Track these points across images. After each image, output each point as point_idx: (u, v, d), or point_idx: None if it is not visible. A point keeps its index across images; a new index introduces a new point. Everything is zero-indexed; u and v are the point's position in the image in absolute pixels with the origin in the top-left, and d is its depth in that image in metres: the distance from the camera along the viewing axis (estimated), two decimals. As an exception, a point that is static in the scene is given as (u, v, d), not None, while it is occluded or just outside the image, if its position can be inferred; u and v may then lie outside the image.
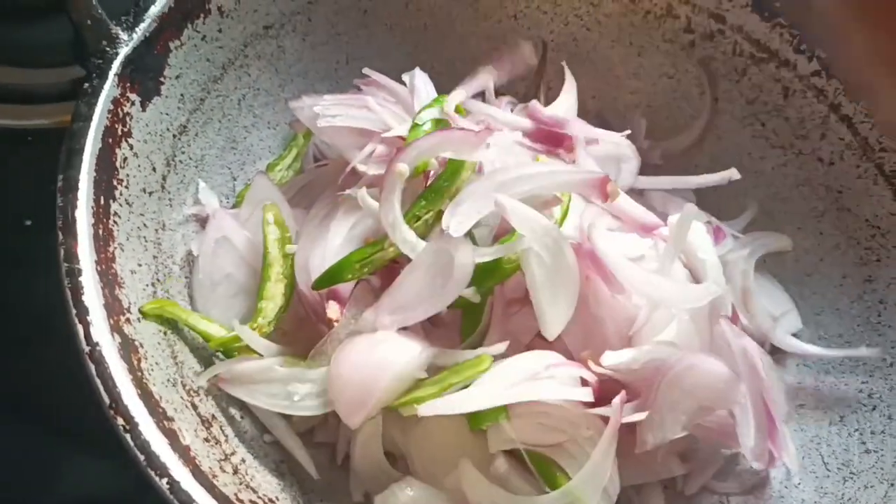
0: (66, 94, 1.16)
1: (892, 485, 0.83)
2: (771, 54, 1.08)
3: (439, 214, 0.84)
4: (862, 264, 1.02)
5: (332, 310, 0.83)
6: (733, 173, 1.03)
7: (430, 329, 0.87)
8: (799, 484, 0.91)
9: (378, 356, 0.79)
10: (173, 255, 0.88)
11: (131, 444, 0.65)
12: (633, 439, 0.84)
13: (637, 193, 1.06)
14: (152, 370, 0.74)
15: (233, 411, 0.83)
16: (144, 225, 0.84)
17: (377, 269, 0.84)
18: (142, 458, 0.65)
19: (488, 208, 0.83)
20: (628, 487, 0.91)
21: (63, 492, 1.02)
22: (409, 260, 0.83)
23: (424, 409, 0.76)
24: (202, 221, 0.92)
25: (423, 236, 0.84)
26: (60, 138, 1.10)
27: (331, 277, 0.83)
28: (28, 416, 1.05)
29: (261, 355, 0.81)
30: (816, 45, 1.04)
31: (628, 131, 1.03)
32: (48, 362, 1.00)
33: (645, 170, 1.11)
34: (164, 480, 0.64)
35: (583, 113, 1.13)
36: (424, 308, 0.81)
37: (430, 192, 0.86)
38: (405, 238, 0.82)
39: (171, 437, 0.68)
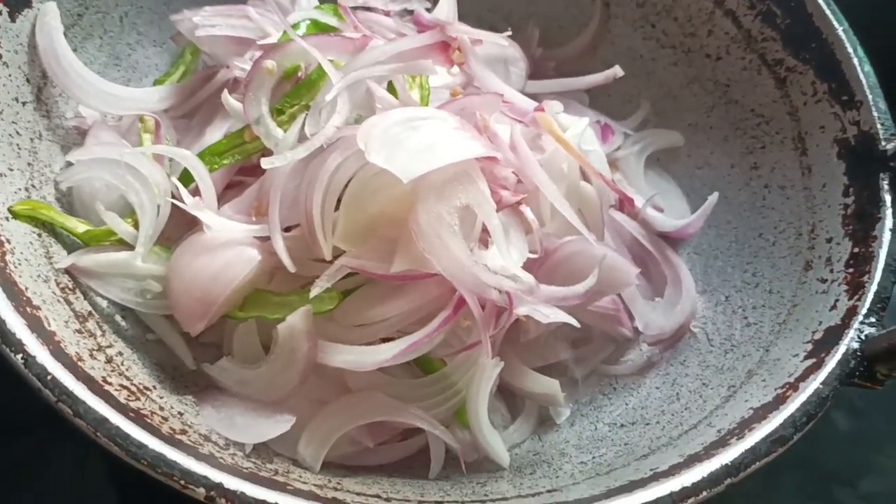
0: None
1: (766, 350, 0.85)
2: (656, -46, 1.09)
3: (306, 108, 0.85)
4: (748, 153, 1.04)
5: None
6: (617, 70, 1.05)
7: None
8: (684, 361, 0.93)
9: (217, 265, 0.79)
10: (51, 164, 0.88)
11: (-15, 322, 0.65)
12: (518, 325, 0.85)
13: (530, 98, 1.07)
14: (19, 264, 0.74)
15: (113, 310, 0.84)
16: (17, 133, 0.84)
17: (239, 161, 0.86)
18: (-5, 334, 0.65)
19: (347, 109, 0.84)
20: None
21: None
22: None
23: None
24: (83, 134, 0.92)
25: (287, 129, 0.84)
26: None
27: (190, 172, 0.84)
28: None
29: (132, 247, 0.82)
30: (699, -58, 1.05)
31: (509, 32, 1.03)
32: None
33: (541, 78, 1.13)
34: (20, 356, 0.64)
35: (476, 24, 1.14)
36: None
37: (298, 87, 0.86)
38: (269, 132, 0.83)
39: (33, 321, 0.68)
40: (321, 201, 0.80)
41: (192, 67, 1.03)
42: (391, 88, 0.88)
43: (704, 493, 0.67)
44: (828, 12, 0.96)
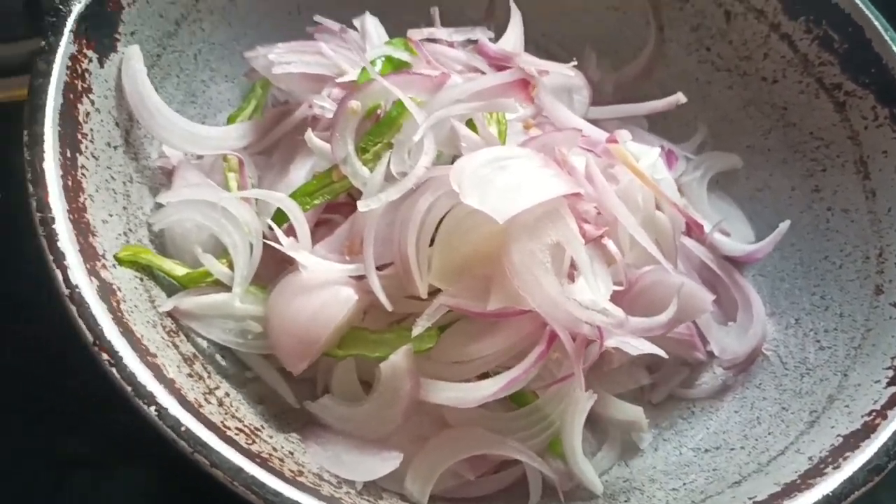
0: (22, 68, 1.16)
1: (844, 375, 0.88)
2: (710, -22, 1.11)
3: (388, 145, 0.87)
4: (808, 175, 1.06)
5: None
6: (680, 97, 1.07)
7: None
8: (760, 384, 0.96)
9: (315, 306, 0.81)
10: (143, 206, 0.90)
11: (117, 376, 0.67)
12: (603, 355, 0.88)
13: (591, 124, 1.09)
14: (132, 312, 0.76)
15: (213, 351, 0.86)
16: (112, 178, 0.86)
17: (327, 200, 0.88)
18: (129, 389, 0.67)
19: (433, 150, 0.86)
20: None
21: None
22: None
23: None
24: (168, 174, 0.94)
25: (372, 167, 0.86)
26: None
27: (283, 212, 0.86)
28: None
29: (228, 287, 0.84)
30: (754, -33, 1.08)
31: (574, 62, 1.05)
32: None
33: (598, 102, 1.15)
34: (153, 409, 0.66)
35: (533, 50, 1.16)
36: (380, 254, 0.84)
37: (380, 125, 0.88)
38: (356, 171, 0.85)
39: (156, 370, 0.70)
40: (416, 241, 0.82)
41: (263, 101, 1.05)
42: (470, 124, 0.90)
43: (811, 524, 0.70)
44: (887, 38, 0.98)
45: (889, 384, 0.82)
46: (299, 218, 0.85)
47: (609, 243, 0.88)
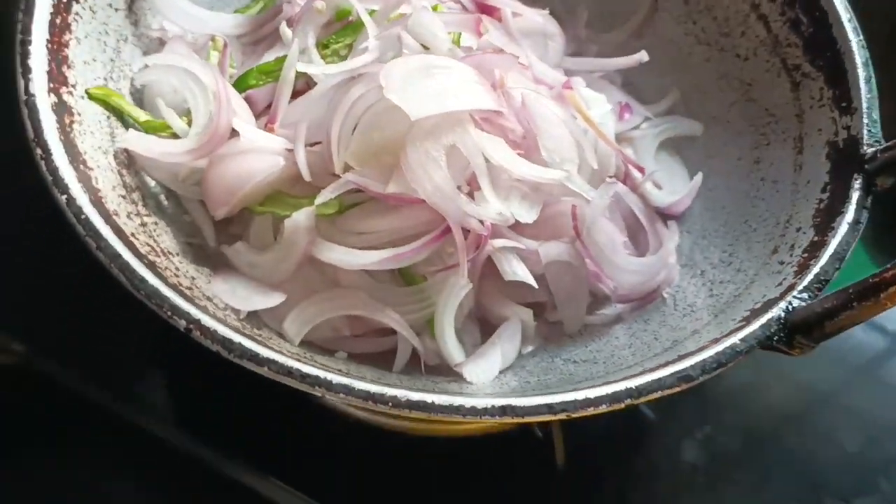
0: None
1: (715, 316, 0.93)
2: (699, -46, 1.18)
3: (349, 46, 0.98)
4: (754, 147, 1.11)
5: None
6: (643, 55, 1.14)
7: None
8: (647, 319, 1.02)
9: (246, 164, 0.94)
10: (131, 63, 1.04)
11: (44, 167, 0.80)
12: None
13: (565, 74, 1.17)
14: (84, 134, 0.89)
15: (158, 191, 0.99)
16: (106, 32, 1.00)
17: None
18: (50, 178, 0.80)
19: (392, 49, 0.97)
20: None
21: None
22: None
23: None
24: (164, 45, 1.07)
25: (330, 62, 0.98)
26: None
27: (239, 83, 0.99)
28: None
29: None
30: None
31: (547, 10, 1.14)
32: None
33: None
34: (64, 196, 0.79)
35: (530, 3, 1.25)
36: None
37: (346, 28, 1.00)
38: (312, 60, 0.97)
39: (83, 176, 0.83)
40: (340, 123, 0.93)
41: (272, 2, 1.18)
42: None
43: (604, 406, 0.76)
44: (845, 24, 1.02)
45: (740, 321, 0.87)
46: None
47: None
